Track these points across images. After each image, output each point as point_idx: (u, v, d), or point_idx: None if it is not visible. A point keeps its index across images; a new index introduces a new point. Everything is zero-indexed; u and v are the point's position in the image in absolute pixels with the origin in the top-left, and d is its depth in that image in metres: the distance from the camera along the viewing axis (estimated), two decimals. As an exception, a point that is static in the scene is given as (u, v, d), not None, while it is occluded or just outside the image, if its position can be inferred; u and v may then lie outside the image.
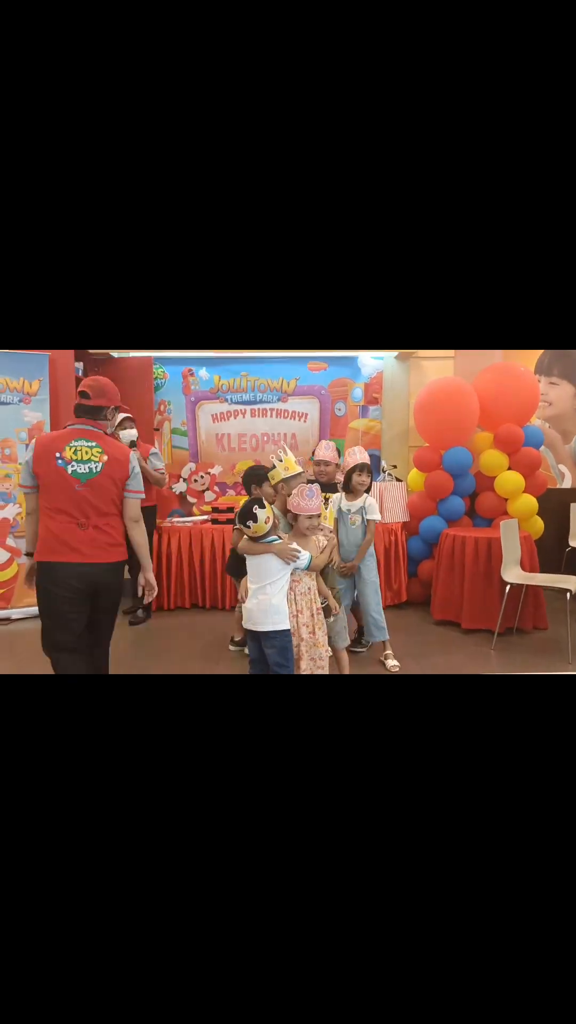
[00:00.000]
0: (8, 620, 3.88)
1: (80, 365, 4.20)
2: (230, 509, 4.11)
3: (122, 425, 3.77)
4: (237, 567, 3.08)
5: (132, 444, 3.75)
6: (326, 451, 3.11)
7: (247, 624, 2.28)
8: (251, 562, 2.28)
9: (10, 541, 3.93)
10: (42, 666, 3.14)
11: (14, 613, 3.92)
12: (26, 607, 3.92)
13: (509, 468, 4.02)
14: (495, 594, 3.45)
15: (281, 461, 2.47)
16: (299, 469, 2.50)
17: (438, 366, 4.55)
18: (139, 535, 2.20)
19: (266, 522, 2.20)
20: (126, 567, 2.23)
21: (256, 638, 2.28)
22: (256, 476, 2.93)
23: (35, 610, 3.83)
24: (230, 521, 4.01)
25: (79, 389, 2.18)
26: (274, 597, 2.22)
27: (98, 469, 2.08)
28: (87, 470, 2.08)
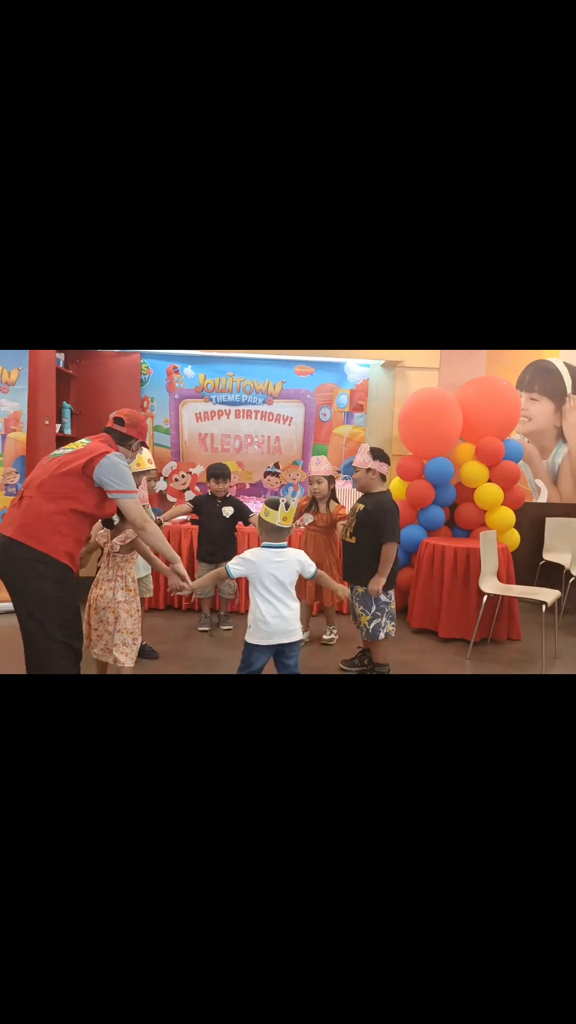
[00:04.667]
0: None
1: (62, 356, 4.11)
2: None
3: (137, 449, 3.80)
4: None
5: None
6: (318, 466, 3.25)
7: (277, 638, 2.13)
8: (269, 571, 2.12)
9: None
10: (11, 666, 3.04)
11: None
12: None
13: (489, 480, 4.08)
14: (472, 604, 3.48)
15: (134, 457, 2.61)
16: (149, 466, 2.73)
17: (423, 376, 4.59)
18: (148, 539, 2.09)
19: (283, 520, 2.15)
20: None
21: (271, 651, 2.17)
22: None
23: (4, 606, 3.75)
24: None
25: (115, 415, 2.17)
26: (295, 604, 2.19)
27: (71, 449, 2.03)
28: (63, 451, 2.04)
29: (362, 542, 2.73)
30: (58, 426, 4.03)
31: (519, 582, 3.92)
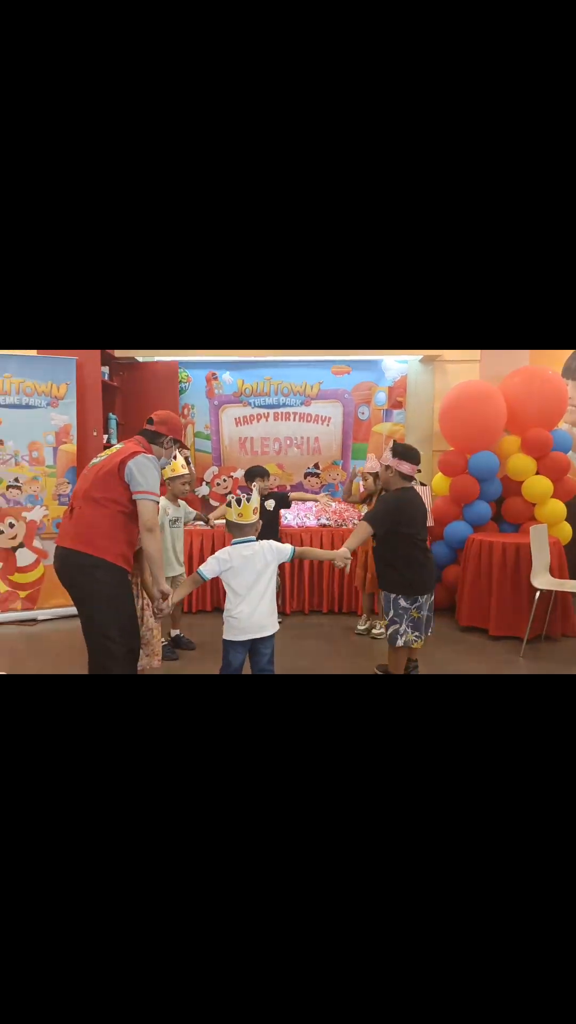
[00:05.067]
0: (35, 621, 3.93)
1: (106, 369, 4.25)
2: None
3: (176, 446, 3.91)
4: None
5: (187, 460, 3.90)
6: (371, 463, 3.35)
7: (255, 634, 2.15)
8: (242, 566, 2.13)
9: (37, 543, 3.98)
10: (68, 667, 3.18)
11: (40, 614, 3.96)
12: (53, 608, 3.97)
13: (537, 473, 3.95)
14: (523, 600, 3.38)
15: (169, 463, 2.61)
16: (184, 471, 2.96)
17: (463, 369, 4.50)
18: (148, 545, 2.02)
19: (254, 511, 2.16)
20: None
21: (246, 646, 2.18)
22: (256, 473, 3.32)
23: (62, 611, 3.92)
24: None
25: (149, 417, 2.26)
26: (271, 598, 2.18)
27: (105, 455, 2.12)
28: (99, 458, 2.14)
29: (382, 544, 2.60)
30: (105, 436, 4.18)
31: (572, 576, 3.78)
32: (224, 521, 2.25)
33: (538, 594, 3.23)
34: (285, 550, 2.20)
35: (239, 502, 2.17)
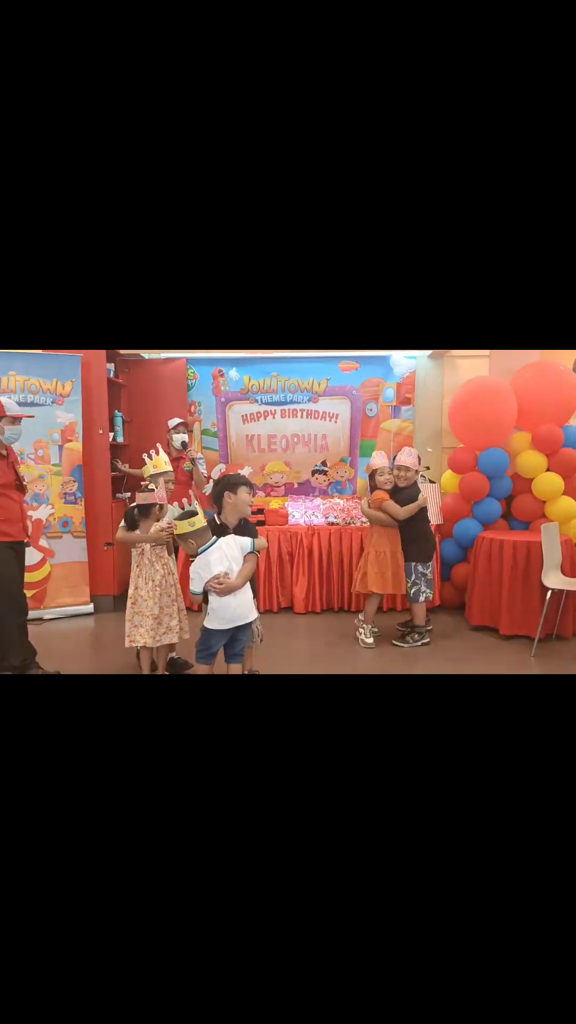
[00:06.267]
0: (40, 620, 3.92)
1: (112, 366, 4.23)
2: (260, 511, 4.08)
3: (176, 429, 3.92)
4: None
5: (184, 446, 3.89)
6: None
7: (236, 622, 2.31)
8: (214, 567, 2.26)
9: (43, 542, 3.97)
10: (75, 665, 3.16)
11: (46, 613, 3.95)
12: (59, 607, 3.96)
13: (548, 469, 3.89)
14: (534, 599, 3.33)
15: (151, 460, 2.85)
16: (166, 467, 2.89)
17: (473, 365, 4.44)
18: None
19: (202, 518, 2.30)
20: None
21: (228, 634, 2.33)
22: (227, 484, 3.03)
23: (69, 610, 3.91)
24: (260, 523, 3.97)
25: None
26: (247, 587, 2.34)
27: None
28: None
29: (405, 524, 3.37)
30: (111, 434, 4.16)
31: (584, 575, 3.72)
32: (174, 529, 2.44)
33: (549, 593, 3.18)
34: (246, 543, 2.35)
35: (183, 517, 2.29)
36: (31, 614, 3.88)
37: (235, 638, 2.39)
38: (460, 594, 3.99)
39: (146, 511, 2.70)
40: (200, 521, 2.29)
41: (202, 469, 3.99)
